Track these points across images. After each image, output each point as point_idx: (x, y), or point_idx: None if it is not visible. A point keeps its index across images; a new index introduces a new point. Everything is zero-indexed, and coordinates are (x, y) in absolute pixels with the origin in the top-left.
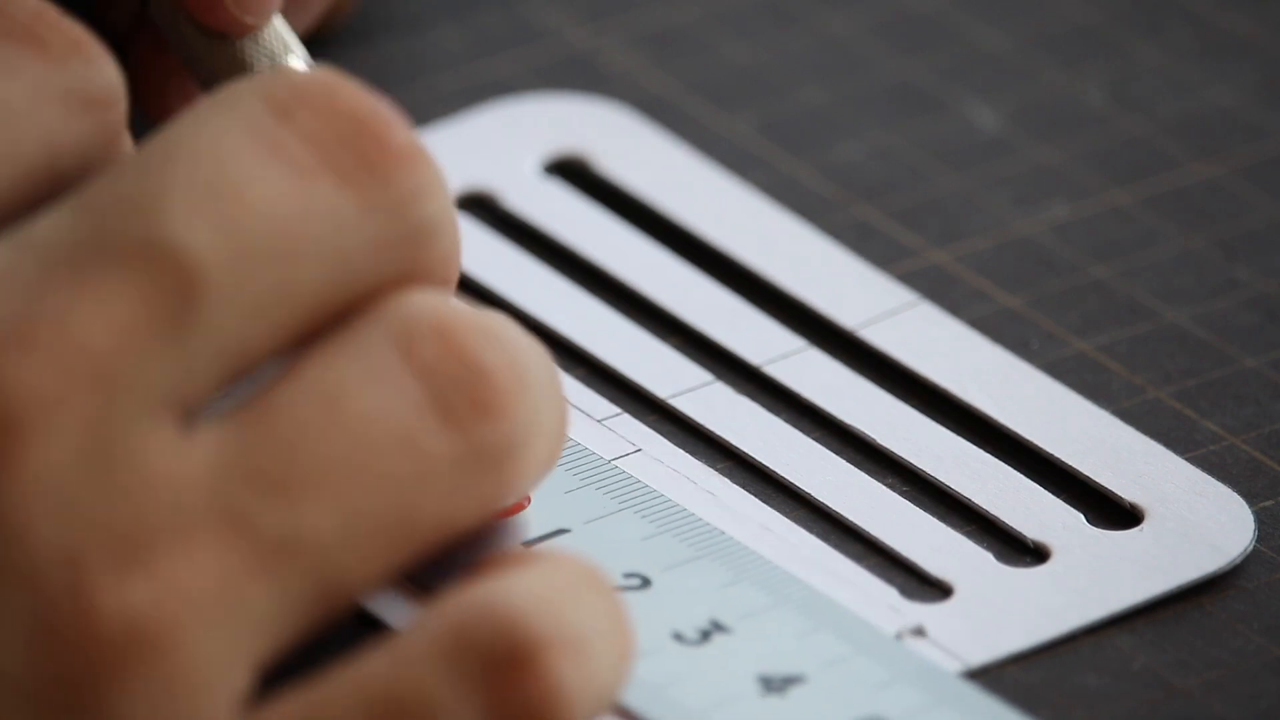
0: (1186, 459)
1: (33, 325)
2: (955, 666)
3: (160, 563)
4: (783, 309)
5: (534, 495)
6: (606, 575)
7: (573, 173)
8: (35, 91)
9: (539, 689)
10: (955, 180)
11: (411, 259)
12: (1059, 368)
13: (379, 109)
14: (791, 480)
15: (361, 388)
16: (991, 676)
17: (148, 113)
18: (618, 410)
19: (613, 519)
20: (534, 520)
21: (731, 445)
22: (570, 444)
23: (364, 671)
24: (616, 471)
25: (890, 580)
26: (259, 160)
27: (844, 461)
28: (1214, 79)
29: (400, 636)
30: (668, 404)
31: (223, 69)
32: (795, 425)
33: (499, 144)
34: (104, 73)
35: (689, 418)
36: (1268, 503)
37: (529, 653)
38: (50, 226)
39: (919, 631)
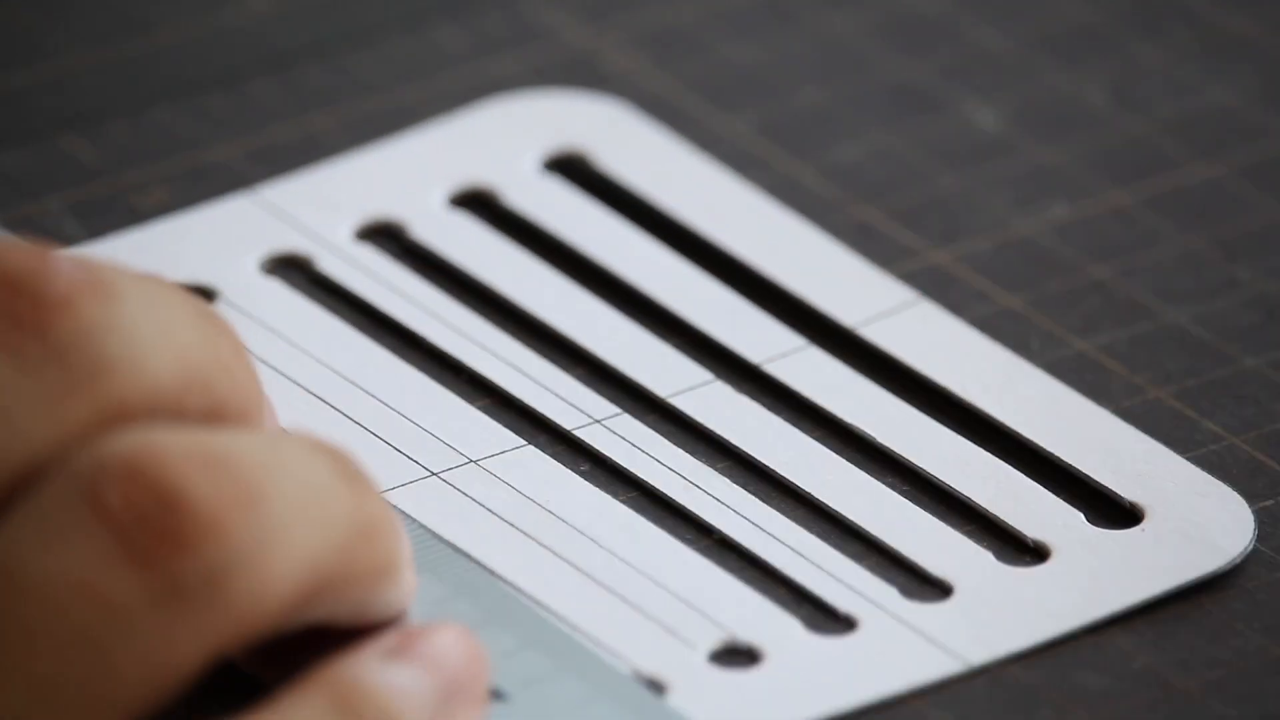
0: (1187, 459)
1: None
2: (956, 666)
3: None
4: (782, 307)
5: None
6: (367, 691)
7: (572, 170)
8: None
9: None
10: (955, 180)
11: (89, 403)
12: (1059, 368)
13: (32, 263)
14: (791, 480)
15: (39, 552)
16: (991, 676)
17: None
18: (618, 410)
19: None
20: None
21: (731, 444)
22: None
23: None
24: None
25: (890, 580)
26: None
27: (844, 461)
28: (1214, 79)
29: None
30: (668, 403)
31: None
32: (795, 424)
33: (498, 141)
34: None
35: (689, 417)
36: (1268, 502)
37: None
38: None
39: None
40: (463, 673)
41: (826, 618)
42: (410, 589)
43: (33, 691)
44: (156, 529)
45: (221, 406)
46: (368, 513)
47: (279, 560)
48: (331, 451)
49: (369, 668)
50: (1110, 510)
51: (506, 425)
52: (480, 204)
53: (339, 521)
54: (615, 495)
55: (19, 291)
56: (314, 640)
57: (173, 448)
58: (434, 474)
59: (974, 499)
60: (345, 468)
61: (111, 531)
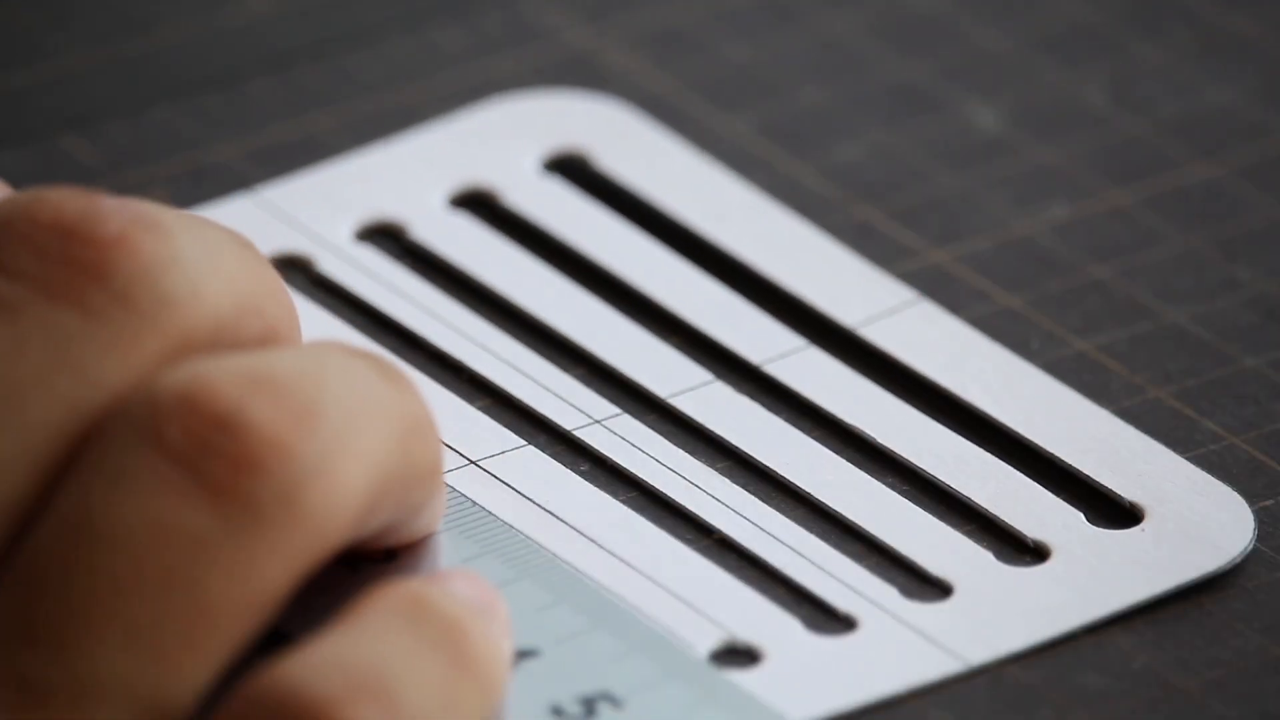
0: (1187, 458)
1: None
2: (956, 666)
3: None
4: (782, 307)
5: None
6: (437, 599)
7: (572, 170)
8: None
9: None
10: (955, 180)
11: (159, 335)
12: (1059, 367)
13: (80, 206)
14: (791, 480)
15: (110, 499)
16: (991, 676)
17: None
18: (618, 410)
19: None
20: None
21: (731, 445)
22: (461, 502)
23: None
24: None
25: (890, 580)
26: None
27: (844, 461)
28: (1214, 79)
29: None
30: (667, 403)
31: None
32: (795, 424)
33: (498, 141)
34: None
35: (689, 417)
36: (1268, 502)
37: (313, 714)
38: None
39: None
40: (488, 596)
41: (826, 618)
42: (439, 516)
43: (132, 640)
44: (223, 455)
45: (274, 330)
46: (413, 410)
47: (345, 467)
48: (367, 355)
49: (420, 583)
50: (1110, 510)
51: (506, 425)
52: (480, 204)
53: (391, 421)
54: (615, 495)
55: (72, 236)
56: (332, 584)
57: (222, 375)
58: None
59: (974, 499)
60: (385, 369)
61: (179, 466)
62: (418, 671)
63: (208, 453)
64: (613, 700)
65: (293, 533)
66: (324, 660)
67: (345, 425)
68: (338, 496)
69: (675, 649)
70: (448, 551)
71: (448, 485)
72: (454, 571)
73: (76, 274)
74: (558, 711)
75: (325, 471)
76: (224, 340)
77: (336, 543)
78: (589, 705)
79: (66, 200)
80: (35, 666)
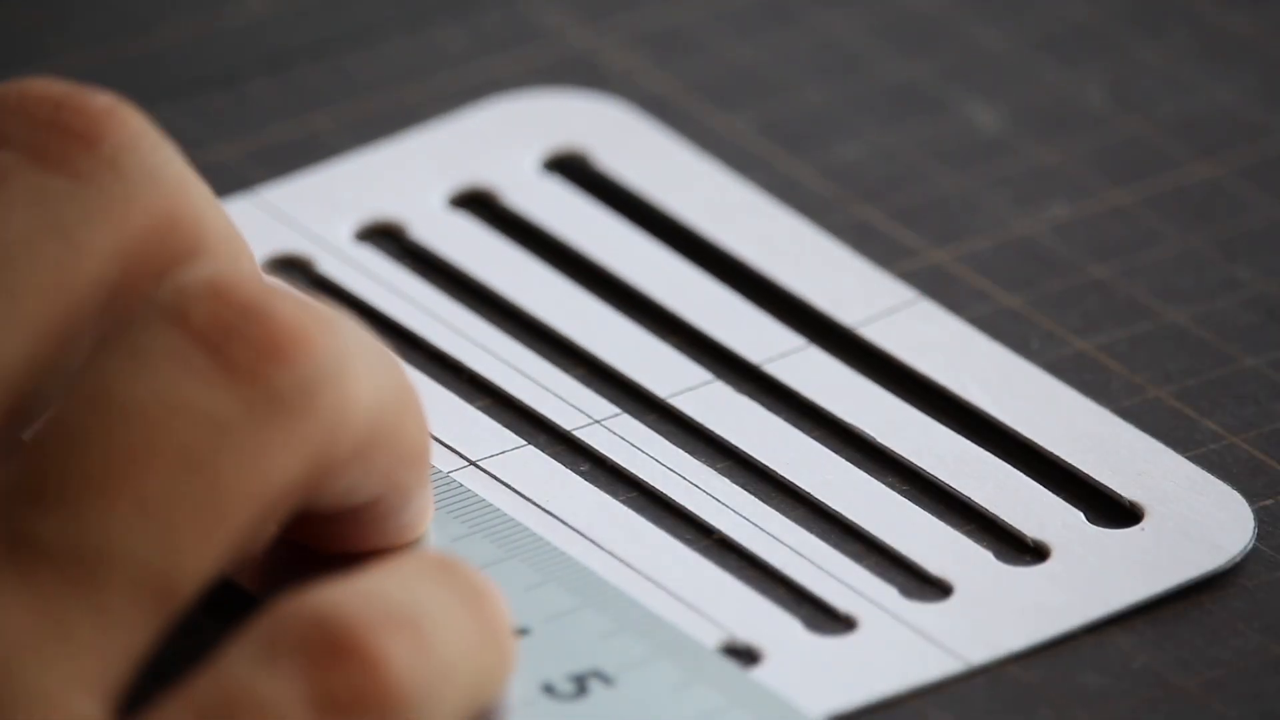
0: (1186, 458)
1: None
2: (956, 666)
3: None
4: (782, 307)
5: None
6: (463, 565)
7: (572, 170)
8: None
9: (362, 668)
10: (955, 180)
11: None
12: (1059, 367)
13: (69, 87)
14: (791, 480)
15: (130, 374)
16: (991, 676)
17: None
18: (617, 410)
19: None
20: None
21: (731, 444)
22: (450, 485)
23: (194, 683)
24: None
25: (890, 580)
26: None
27: (844, 461)
28: (1214, 79)
29: (225, 645)
30: (667, 403)
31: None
32: (795, 424)
33: (498, 141)
34: None
35: (688, 417)
36: (1268, 501)
37: (345, 635)
38: None
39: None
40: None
41: (826, 618)
42: (426, 515)
43: (142, 513)
44: (248, 340)
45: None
46: (409, 387)
47: (358, 377)
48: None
49: (445, 552)
50: (1110, 510)
51: (506, 425)
52: (480, 204)
53: (392, 375)
54: (615, 495)
55: (63, 106)
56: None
57: (245, 275)
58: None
59: (974, 499)
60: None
61: (203, 347)
62: (448, 618)
63: (233, 336)
64: (604, 678)
65: (308, 426)
66: (360, 591)
67: (355, 347)
68: (352, 402)
69: (665, 626)
70: (436, 532)
71: (434, 466)
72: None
73: (66, 140)
74: (549, 689)
75: (343, 375)
76: (209, 226)
77: (345, 452)
78: (580, 683)
79: (57, 81)
80: (43, 526)
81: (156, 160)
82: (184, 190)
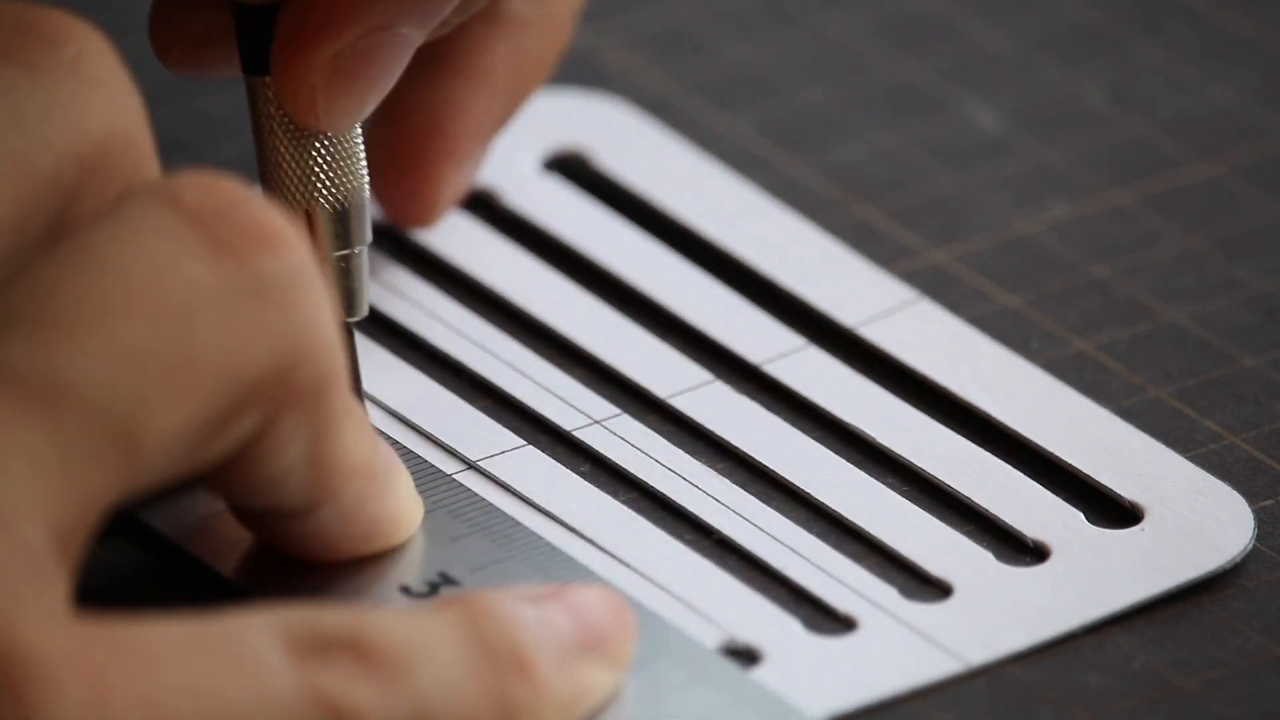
0: (1186, 458)
1: None
2: (956, 666)
3: None
4: (782, 307)
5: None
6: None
7: (572, 169)
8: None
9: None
10: (955, 180)
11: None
12: (1059, 367)
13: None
14: (791, 480)
15: (115, 237)
16: (991, 676)
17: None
18: (617, 410)
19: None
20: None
21: (731, 445)
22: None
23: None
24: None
25: (890, 580)
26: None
27: (844, 461)
28: (1214, 79)
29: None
30: (667, 403)
31: (289, 168)
32: (795, 424)
33: (498, 141)
34: None
35: (688, 417)
36: (1268, 501)
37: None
38: None
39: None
40: (606, 629)
41: (826, 618)
42: (406, 506)
43: (112, 358)
44: (238, 225)
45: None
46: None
47: (323, 298)
48: None
49: (506, 600)
50: (1110, 510)
51: (506, 425)
52: (480, 204)
53: (331, 320)
54: (615, 495)
55: (29, 9)
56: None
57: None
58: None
59: (974, 499)
60: None
61: (191, 224)
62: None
63: (222, 217)
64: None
65: (283, 319)
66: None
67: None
68: (318, 312)
69: (665, 626)
70: (436, 532)
71: (440, 472)
72: (584, 586)
73: (30, 38)
74: None
75: (314, 285)
76: (155, 160)
77: (307, 354)
78: None
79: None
80: (12, 354)
81: (116, 79)
82: (140, 117)
